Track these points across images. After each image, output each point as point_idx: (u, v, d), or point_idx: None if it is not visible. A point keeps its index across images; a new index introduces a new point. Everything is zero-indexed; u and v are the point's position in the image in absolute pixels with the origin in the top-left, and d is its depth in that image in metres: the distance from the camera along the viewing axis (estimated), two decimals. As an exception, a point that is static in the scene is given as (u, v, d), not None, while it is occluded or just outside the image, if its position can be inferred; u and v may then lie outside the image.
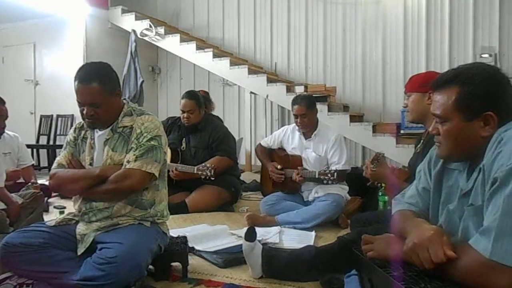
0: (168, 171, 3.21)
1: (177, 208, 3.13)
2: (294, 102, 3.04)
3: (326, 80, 5.96)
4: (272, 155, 3.30)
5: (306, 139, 3.09)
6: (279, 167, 3.08)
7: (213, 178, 2.95)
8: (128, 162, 1.79)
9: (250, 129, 5.90)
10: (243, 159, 5.87)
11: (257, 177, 4.37)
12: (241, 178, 4.90)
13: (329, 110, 5.04)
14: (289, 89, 5.28)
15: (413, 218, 1.37)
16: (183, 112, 3.33)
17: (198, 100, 3.38)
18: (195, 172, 3.00)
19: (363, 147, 5.67)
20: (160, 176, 1.89)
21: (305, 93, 5.05)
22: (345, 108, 5.33)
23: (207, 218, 3.04)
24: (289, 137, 3.19)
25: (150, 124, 1.86)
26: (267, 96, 5.39)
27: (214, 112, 4.20)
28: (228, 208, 3.32)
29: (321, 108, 4.99)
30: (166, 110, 7.11)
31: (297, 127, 3.09)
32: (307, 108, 2.99)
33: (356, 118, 5.31)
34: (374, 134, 4.79)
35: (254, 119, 6.34)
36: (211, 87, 6.86)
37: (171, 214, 3.14)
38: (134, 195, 1.84)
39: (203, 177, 2.98)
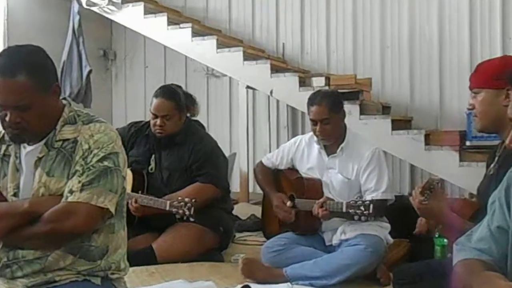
0: (128, 203, 3.22)
1: (141, 257, 3.13)
2: (311, 101, 3.08)
3: (357, 69, 5.99)
4: (279, 179, 3.32)
5: (329, 155, 3.12)
6: (288, 203, 3.10)
7: (192, 220, 2.98)
8: (71, 192, 1.80)
9: (247, 141, 5.93)
10: (236, 184, 5.89)
11: (257, 211, 4.38)
12: (234, 212, 4.92)
13: (362, 113, 5.06)
14: (303, 82, 5.31)
15: (483, 272, 1.39)
16: (155, 116, 3.37)
17: (179, 101, 3.42)
18: (167, 209, 3.02)
19: (412, 166, 5.69)
20: (117, 212, 1.91)
21: (327, 88, 5.09)
22: (385, 110, 5.35)
23: (184, 272, 3.04)
24: (303, 153, 3.21)
25: (103, 137, 1.87)
26: (271, 92, 5.41)
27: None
28: (215, 256, 3.34)
29: (350, 109, 5.00)
30: (125, 114, 7.17)
31: (315, 138, 3.12)
32: (330, 110, 3.03)
33: (401, 123, 5.32)
34: (427, 147, 4.81)
35: (252, 126, 6.37)
36: (189, 79, 6.91)
37: (132, 265, 3.14)
38: (78, 241, 1.84)
39: (178, 216, 3.00)
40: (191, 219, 2.97)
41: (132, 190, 3.30)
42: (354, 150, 3.08)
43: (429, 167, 4.79)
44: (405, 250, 3.14)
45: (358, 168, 3.04)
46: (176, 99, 3.38)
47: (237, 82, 6.07)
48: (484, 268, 1.43)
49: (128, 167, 3.39)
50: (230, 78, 6.35)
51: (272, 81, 5.37)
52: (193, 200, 2.97)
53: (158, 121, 3.33)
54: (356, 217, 2.78)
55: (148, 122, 3.46)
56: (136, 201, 3.14)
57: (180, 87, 3.65)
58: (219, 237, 3.36)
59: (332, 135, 3.06)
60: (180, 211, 2.97)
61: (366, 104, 5.15)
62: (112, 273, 1.92)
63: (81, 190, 1.79)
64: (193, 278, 2.92)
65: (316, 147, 3.16)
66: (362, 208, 2.74)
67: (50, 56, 1.90)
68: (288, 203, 3.10)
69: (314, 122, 3.05)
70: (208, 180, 3.30)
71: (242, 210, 4.95)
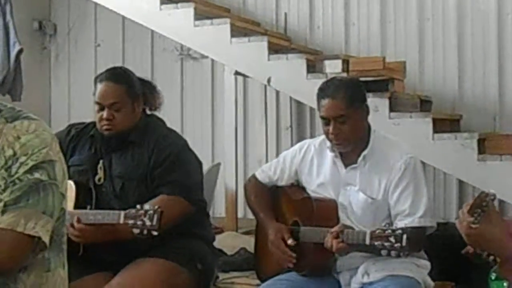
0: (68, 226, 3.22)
1: (87, 307, 3.11)
2: (322, 93, 3.09)
3: (385, 50, 6.04)
4: (279, 200, 3.33)
5: (346, 166, 3.12)
6: (290, 241, 3.09)
7: (156, 233, 2.96)
8: None
9: (235, 147, 5.93)
10: (220, 206, 5.89)
11: (249, 244, 4.39)
12: (217, 244, 4.89)
13: (392, 109, 5.09)
14: (313, 67, 5.33)
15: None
16: (101, 107, 3.38)
17: (132, 86, 3.43)
18: (122, 222, 3.01)
19: (461, 183, 5.71)
20: (53, 242, 1.92)
21: (345, 75, 5.10)
22: (424, 105, 5.38)
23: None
24: (312, 163, 3.22)
25: (33, 139, 1.89)
26: (268, 80, 5.43)
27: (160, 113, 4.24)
28: (190, 305, 3.32)
29: (377, 104, 5.04)
30: (68, 110, 7.17)
31: (328, 143, 3.12)
32: (348, 105, 3.04)
33: (446, 124, 5.35)
34: (481, 156, 4.84)
35: (243, 127, 6.38)
36: (157, 61, 6.93)
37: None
38: None
39: (137, 232, 2.98)
40: (154, 233, 2.94)
41: (76, 208, 3.30)
42: (381, 160, 3.07)
43: (484, 184, 4.79)
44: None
45: (386, 184, 3.03)
46: (128, 83, 3.39)
47: (222, 67, 6.08)
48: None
49: (69, 178, 3.42)
50: (212, 60, 6.38)
51: (270, 65, 5.42)
52: (157, 208, 2.96)
53: (105, 113, 3.33)
54: (384, 252, 2.75)
55: (93, 122, 3.47)
56: (78, 220, 3.14)
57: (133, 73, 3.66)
58: (197, 277, 3.32)
59: (350, 139, 3.05)
60: (139, 223, 2.95)
61: (398, 97, 5.19)
62: None
63: (3, 212, 1.81)
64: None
65: (329, 155, 3.15)
66: (392, 239, 2.72)
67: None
68: (290, 241, 3.09)
69: (326, 120, 3.05)
70: (176, 191, 3.28)
71: (228, 242, 4.95)
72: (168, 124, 3.78)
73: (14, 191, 1.83)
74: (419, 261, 3.06)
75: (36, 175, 1.85)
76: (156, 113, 3.70)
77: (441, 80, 5.95)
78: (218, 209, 6.09)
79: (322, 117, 3.07)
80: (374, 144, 3.11)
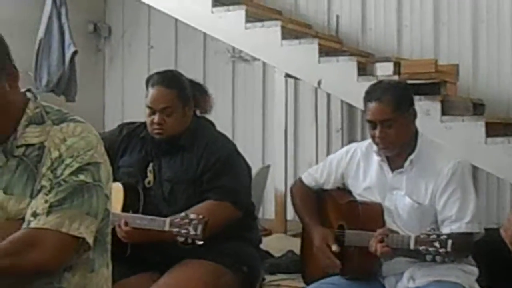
0: (114, 229, 3.26)
1: (134, 306, 3.16)
2: (369, 96, 3.07)
3: (438, 52, 6.00)
4: (324, 203, 3.33)
5: (393, 170, 3.10)
6: (334, 247, 3.09)
7: (200, 243, 2.99)
8: (35, 215, 1.83)
9: (285, 149, 5.95)
10: (270, 208, 5.91)
11: (296, 246, 4.36)
12: (265, 246, 4.90)
13: (444, 112, 5.06)
14: (364, 70, 5.33)
15: None
16: (152, 111, 3.41)
17: (183, 90, 3.45)
18: (167, 229, 3.04)
19: (515, 188, 5.64)
20: (98, 243, 1.94)
21: (395, 77, 5.07)
22: (478, 109, 5.34)
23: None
24: (359, 167, 3.21)
25: (78, 141, 1.91)
26: (319, 83, 5.44)
27: (212, 115, 4.27)
28: (236, 306, 3.34)
29: (429, 107, 5.02)
30: (121, 111, 7.28)
31: (375, 147, 3.11)
32: (395, 109, 3.01)
33: (500, 128, 5.28)
34: (538, 161, 4.78)
35: (293, 130, 6.39)
36: (209, 63, 6.98)
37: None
38: (44, 281, 1.87)
39: (181, 240, 3.01)
40: (199, 242, 2.96)
41: (124, 211, 3.33)
42: (429, 164, 3.04)
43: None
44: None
45: (433, 189, 3.00)
46: (179, 87, 3.40)
47: (273, 69, 6.10)
48: None
49: (119, 180, 3.47)
50: (264, 63, 6.41)
51: (321, 67, 5.43)
52: (202, 217, 2.97)
53: (156, 117, 3.36)
54: (428, 257, 2.73)
55: (145, 122, 3.50)
56: (126, 224, 3.18)
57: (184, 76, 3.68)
58: (242, 280, 3.33)
59: (396, 143, 3.03)
60: (183, 231, 2.97)
61: (450, 100, 5.17)
62: None
63: (48, 213, 1.83)
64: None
65: (376, 159, 3.14)
66: (437, 244, 2.69)
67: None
68: (334, 247, 3.09)
69: (373, 124, 3.03)
70: (223, 197, 3.29)
71: (276, 244, 4.96)
72: (219, 126, 3.79)
73: (59, 192, 1.84)
74: (466, 267, 3.02)
75: (81, 177, 1.87)
76: (207, 115, 3.73)
77: (495, 83, 5.89)
78: (267, 211, 6.11)
79: (369, 121, 3.06)
80: (421, 148, 3.08)
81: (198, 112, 3.68)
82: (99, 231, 1.94)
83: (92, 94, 7.19)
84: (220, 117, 6.73)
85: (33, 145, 1.92)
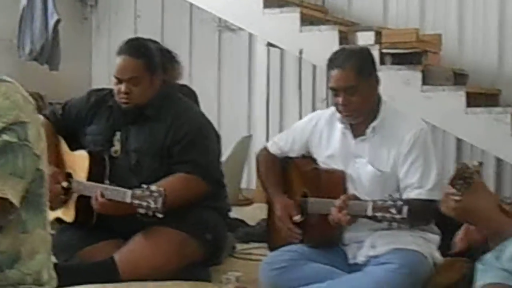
0: (85, 197, 3.30)
1: (99, 271, 3.17)
2: (331, 63, 3.05)
3: (423, 22, 5.96)
4: (289, 171, 3.32)
5: (356, 137, 3.09)
6: (296, 217, 3.09)
7: (160, 216, 3.01)
8: None
9: (267, 119, 5.95)
10: (252, 178, 5.92)
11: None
12: (244, 215, 4.92)
13: (425, 82, 5.03)
14: (345, 39, 5.30)
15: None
16: (119, 81, 3.41)
17: (150, 60, 3.44)
18: (128, 201, 3.06)
19: (499, 160, 5.62)
20: (29, 204, 1.93)
21: (377, 47, 5.06)
22: (459, 79, 5.31)
23: (155, 293, 3.07)
24: (322, 134, 3.20)
25: (3, 101, 1.88)
26: (300, 52, 5.42)
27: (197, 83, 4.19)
28: (199, 273, 3.36)
29: (409, 77, 5.00)
30: (108, 79, 6.96)
31: (338, 114, 3.11)
32: (358, 75, 2.99)
33: (482, 99, 5.27)
34: (517, 132, 4.76)
35: (279, 99, 6.36)
36: (195, 32, 6.95)
37: (87, 282, 3.20)
38: None
39: (142, 212, 3.04)
40: (159, 215, 2.99)
41: (89, 179, 3.35)
42: (391, 132, 3.03)
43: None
44: (462, 273, 3.07)
45: (395, 157, 2.99)
46: (146, 57, 3.39)
47: (256, 38, 6.10)
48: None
49: (85, 148, 3.49)
50: (250, 32, 6.37)
51: (302, 36, 5.41)
52: (163, 190, 2.98)
53: (123, 87, 3.34)
54: (385, 223, 2.74)
55: (111, 89, 3.49)
56: (102, 195, 3.20)
57: (156, 42, 3.67)
58: (206, 248, 3.36)
59: (360, 110, 3.01)
60: (144, 203, 2.98)
61: (431, 70, 5.14)
62: None
63: None
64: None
65: (339, 127, 3.12)
66: (393, 210, 2.68)
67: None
68: (296, 217, 3.09)
69: (335, 91, 3.01)
70: (193, 171, 3.31)
71: (256, 214, 4.96)
72: (205, 95, 3.80)
73: None
74: (427, 235, 3.02)
75: (5, 137, 1.83)
76: (188, 83, 3.70)
77: (480, 54, 5.86)
78: (249, 181, 6.12)
79: (331, 88, 3.04)
80: (384, 115, 3.06)
81: (168, 80, 3.68)
82: (31, 191, 1.92)
83: (79, 63, 7.18)
84: (205, 86, 6.79)
85: None
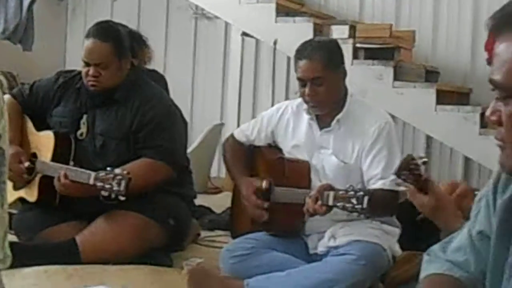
0: (49, 177, 3.30)
1: (60, 252, 3.18)
2: (299, 54, 3.06)
3: (399, 18, 6.00)
4: (255, 159, 3.34)
5: (321, 128, 3.11)
6: (264, 183, 3.11)
7: (123, 198, 3.02)
8: None
9: (239, 109, 5.96)
10: (222, 166, 5.90)
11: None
12: (212, 203, 4.91)
13: (396, 78, 5.07)
14: (320, 32, 5.32)
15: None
16: (87, 64, 3.40)
17: (119, 43, 3.44)
18: (91, 183, 3.06)
19: (466, 159, 5.67)
20: None
21: (351, 40, 5.09)
22: (430, 76, 5.35)
23: (114, 276, 3.08)
24: (288, 125, 3.21)
25: None
26: (275, 42, 5.43)
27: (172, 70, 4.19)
28: (160, 258, 3.37)
29: (381, 72, 5.03)
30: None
31: (305, 105, 3.12)
32: (326, 66, 3.00)
33: (453, 97, 5.32)
34: (483, 130, 4.80)
35: (252, 90, 6.38)
36: (172, 19, 6.94)
37: (48, 263, 3.21)
38: None
39: (105, 195, 3.04)
40: (122, 198, 3.00)
41: (54, 160, 3.35)
42: (356, 124, 3.04)
43: (485, 157, 4.77)
44: (420, 267, 3.11)
45: (359, 149, 3.01)
46: (114, 40, 3.39)
47: (231, 28, 6.10)
48: (450, 287, 1.44)
49: (52, 129, 3.49)
50: (226, 23, 6.37)
51: (277, 27, 5.43)
52: (127, 173, 2.99)
53: (91, 70, 3.35)
54: (346, 213, 2.77)
55: (80, 72, 3.49)
56: (66, 176, 3.19)
57: (125, 26, 3.66)
58: (168, 233, 3.37)
59: (326, 101, 3.02)
60: (107, 186, 2.99)
61: (403, 66, 5.18)
62: None
63: None
64: (124, 285, 2.95)
65: (305, 118, 3.14)
66: (354, 200, 2.69)
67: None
68: (264, 183, 3.09)
69: (302, 82, 3.02)
70: (159, 157, 3.32)
71: (224, 202, 4.95)
72: (179, 82, 3.77)
73: None
74: (387, 227, 3.04)
75: None
76: (163, 69, 3.69)
77: (453, 52, 5.90)
78: (219, 170, 6.13)
79: (299, 78, 3.04)
80: (350, 108, 3.07)
81: (138, 64, 3.69)
82: None
83: (53, 44, 7.12)
84: (180, 73, 6.79)
85: None
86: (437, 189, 2.12)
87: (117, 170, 3.02)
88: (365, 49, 5.18)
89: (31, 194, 3.41)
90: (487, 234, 1.48)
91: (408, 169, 2.09)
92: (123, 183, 2.97)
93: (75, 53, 7.30)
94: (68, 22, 7.40)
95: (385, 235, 3.02)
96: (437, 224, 2.23)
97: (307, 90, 3.01)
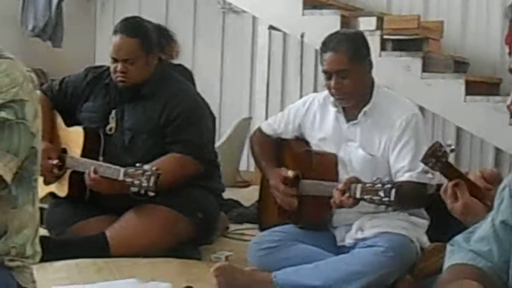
0: (79, 173, 3.34)
1: (90, 246, 3.23)
2: (324, 46, 3.06)
3: (427, 9, 5.93)
4: (282, 152, 3.34)
5: (348, 121, 3.11)
6: (290, 173, 3.10)
7: (152, 194, 3.05)
8: None
9: (267, 102, 5.95)
10: (251, 160, 5.92)
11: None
12: (241, 196, 4.93)
13: (425, 69, 5.03)
14: (347, 24, 5.28)
15: (460, 281, 1.40)
16: (115, 60, 3.43)
17: (146, 39, 3.46)
18: (121, 179, 3.10)
19: (497, 150, 5.62)
20: (22, 180, 1.95)
21: (378, 32, 5.06)
22: (459, 67, 5.30)
23: (144, 269, 3.11)
24: (315, 117, 3.21)
25: (3, 78, 1.89)
26: (302, 35, 5.41)
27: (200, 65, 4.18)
28: (189, 252, 3.41)
29: (409, 63, 4.99)
30: (112, 58, 7.26)
31: (331, 98, 3.12)
32: (351, 59, 3.00)
33: (483, 87, 5.26)
34: (515, 121, 4.77)
35: (280, 83, 6.37)
36: (199, 14, 6.94)
37: (79, 256, 3.24)
38: None
39: (134, 191, 3.07)
40: (151, 194, 3.03)
41: (83, 156, 3.39)
42: (383, 116, 3.04)
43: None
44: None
45: (386, 142, 3.00)
46: (142, 36, 3.41)
47: (258, 21, 6.10)
48: (473, 277, 1.44)
49: (81, 124, 3.53)
50: (253, 16, 6.36)
51: (305, 20, 5.39)
52: (156, 169, 3.02)
53: (119, 66, 3.38)
54: (374, 206, 2.77)
55: (108, 67, 3.52)
56: (96, 172, 3.24)
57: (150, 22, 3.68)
58: (197, 226, 3.40)
59: (352, 94, 3.02)
60: (136, 182, 3.02)
61: (431, 57, 5.13)
62: (11, 260, 1.96)
63: None
64: (152, 277, 2.97)
65: (332, 110, 3.14)
66: (381, 193, 2.69)
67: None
68: (290, 172, 3.09)
69: (328, 74, 3.02)
70: (186, 151, 3.35)
71: (252, 196, 4.96)
72: (207, 77, 3.77)
73: None
74: (415, 219, 3.03)
75: (2, 114, 1.85)
76: (191, 63, 3.70)
77: (483, 42, 5.81)
78: (248, 163, 6.14)
79: (324, 71, 3.05)
80: (377, 100, 3.07)
81: (165, 58, 3.71)
82: (24, 168, 1.93)
83: (82, 41, 7.15)
84: (208, 67, 6.81)
85: None
86: (466, 195, 2.10)
87: (146, 166, 3.05)
88: (393, 40, 5.15)
89: (61, 189, 3.46)
90: (510, 223, 1.48)
91: (435, 156, 2.09)
92: (152, 179, 3.00)
93: (104, 49, 7.31)
94: (97, 18, 7.43)
95: (413, 227, 3.01)
96: (467, 225, 2.23)
97: (332, 82, 3.02)
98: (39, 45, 6.46)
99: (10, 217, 1.96)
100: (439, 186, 3.05)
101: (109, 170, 3.19)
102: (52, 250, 3.02)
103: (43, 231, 3.02)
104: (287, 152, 3.33)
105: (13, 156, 1.87)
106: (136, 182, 3.04)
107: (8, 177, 1.86)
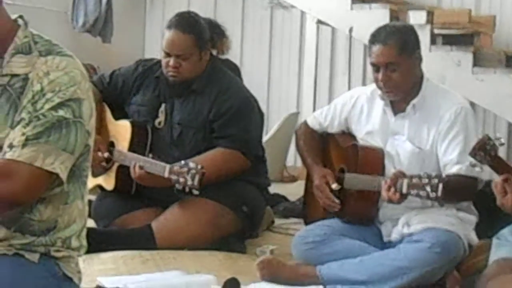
0: (126, 166, 3.37)
1: (136, 238, 3.27)
2: (373, 39, 3.04)
3: (479, 3, 5.86)
4: (328, 146, 3.34)
5: (396, 114, 3.09)
6: (334, 185, 3.09)
7: (196, 192, 3.06)
8: (11, 147, 1.84)
9: (314, 98, 5.94)
10: (298, 155, 5.94)
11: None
12: (287, 191, 4.92)
13: (476, 64, 4.96)
14: (396, 18, 5.25)
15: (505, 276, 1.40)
16: (167, 55, 3.46)
17: (200, 35, 3.47)
18: (166, 176, 3.11)
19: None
20: (74, 177, 1.97)
21: (428, 26, 5.01)
22: (511, 61, 5.22)
23: (188, 262, 3.14)
24: (362, 111, 3.20)
25: (62, 76, 1.90)
26: (350, 30, 5.39)
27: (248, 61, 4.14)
28: (234, 245, 3.42)
29: (460, 58, 4.93)
30: (161, 52, 7.26)
31: (379, 91, 3.10)
32: (401, 52, 2.98)
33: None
34: None
35: (329, 78, 6.34)
36: (248, 9, 6.96)
37: (125, 248, 3.28)
38: (16, 211, 1.90)
39: (179, 187, 3.08)
40: (195, 192, 3.05)
41: (131, 150, 3.42)
42: (432, 109, 3.00)
43: None
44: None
45: (435, 135, 2.97)
46: (195, 32, 3.42)
47: (306, 16, 6.09)
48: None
49: (129, 117, 3.57)
50: (302, 12, 6.36)
51: (353, 14, 5.38)
52: (201, 168, 3.03)
53: (172, 61, 3.39)
54: (421, 201, 2.76)
55: (159, 61, 3.55)
56: (141, 167, 3.27)
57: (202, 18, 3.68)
58: (242, 220, 3.41)
59: (400, 87, 2.99)
60: (181, 180, 3.03)
61: (483, 52, 5.06)
62: (57, 250, 1.99)
63: (24, 146, 1.83)
64: (196, 270, 3.01)
65: (380, 103, 3.11)
66: (428, 188, 2.66)
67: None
68: (334, 185, 3.09)
69: (376, 67, 3.00)
70: (234, 146, 3.36)
71: (299, 191, 4.97)
72: (255, 71, 3.77)
73: (36, 126, 1.84)
74: (463, 215, 3.00)
75: (61, 112, 1.86)
76: (239, 59, 3.71)
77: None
78: (295, 159, 6.14)
79: (372, 64, 3.02)
80: (426, 93, 3.04)
81: (216, 54, 3.72)
82: (77, 164, 1.95)
83: (132, 35, 7.24)
84: (256, 63, 6.84)
85: (18, 75, 1.91)
86: None
87: (192, 164, 3.06)
88: (443, 35, 5.10)
89: (109, 182, 3.51)
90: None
91: (484, 149, 2.07)
92: (197, 178, 3.02)
93: (154, 43, 7.42)
94: (146, 12, 7.50)
95: (461, 223, 2.98)
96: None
97: (380, 75, 2.99)
98: (89, 40, 6.55)
99: (61, 213, 1.97)
100: (488, 182, 3.04)
101: (154, 166, 3.21)
102: (99, 242, 3.07)
103: (90, 222, 3.06)
104: (333, 147, 3.32)
105: (69, 155, 1.89)
106: (181, 180, 3.05)
107: (63, 176, 1.88)
